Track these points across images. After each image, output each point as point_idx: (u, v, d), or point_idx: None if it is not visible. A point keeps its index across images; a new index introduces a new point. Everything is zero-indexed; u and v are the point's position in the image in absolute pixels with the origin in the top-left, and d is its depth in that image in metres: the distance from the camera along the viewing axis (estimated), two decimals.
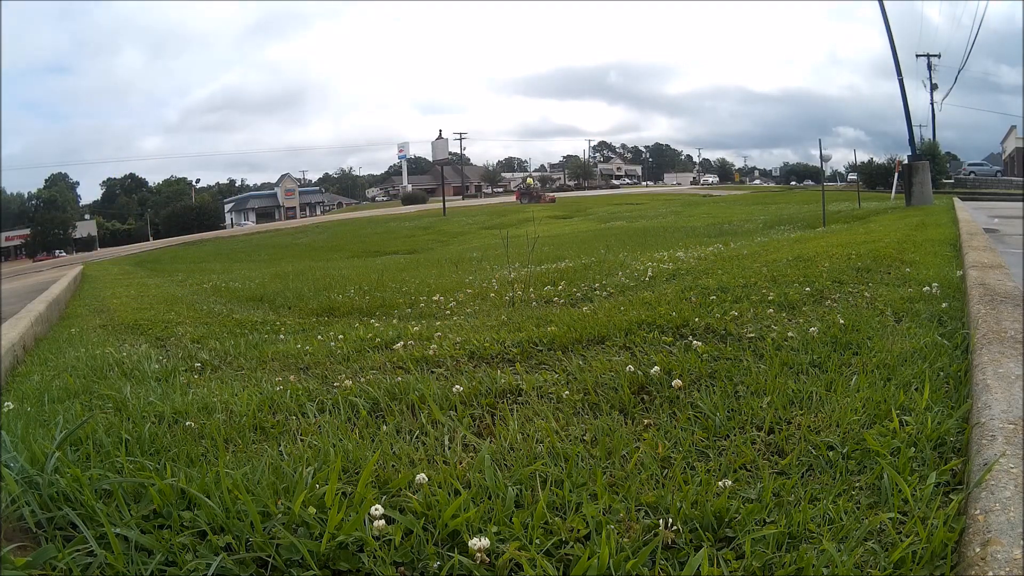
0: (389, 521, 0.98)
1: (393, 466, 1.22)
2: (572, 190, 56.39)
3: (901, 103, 11.74)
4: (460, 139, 54.67)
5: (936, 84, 31.14)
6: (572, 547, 0.92)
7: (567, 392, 1.60)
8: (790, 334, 1.95)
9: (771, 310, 2.36)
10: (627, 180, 75.34)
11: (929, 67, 31.34)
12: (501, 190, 60.59)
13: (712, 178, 74.16)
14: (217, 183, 70.63)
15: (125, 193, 59.78)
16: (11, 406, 1.73)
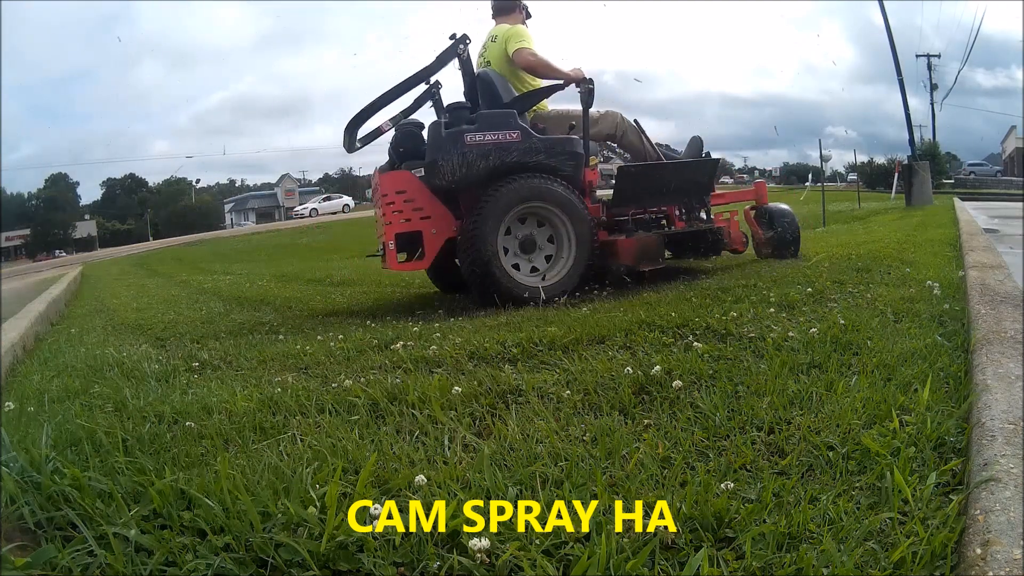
0: None
1: (393, 466, 1.22)
2: None
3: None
4: None
5: (936, 84, 31.16)
6: (572, 547, 0.92)
7: (567, 392, 1.60)
8: (790, 334, 1.95)
9: (771, 310, 2.36)
10: None
11: (929, 67, 31.36)
12: None
13: None
14: (217, 183, 70.65)
15: (125, 193, 59.65)
16: (11, 406, 1.73)
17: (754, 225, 4.13)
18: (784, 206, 4.17)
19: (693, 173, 3.74)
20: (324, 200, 40.19)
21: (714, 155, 4.09)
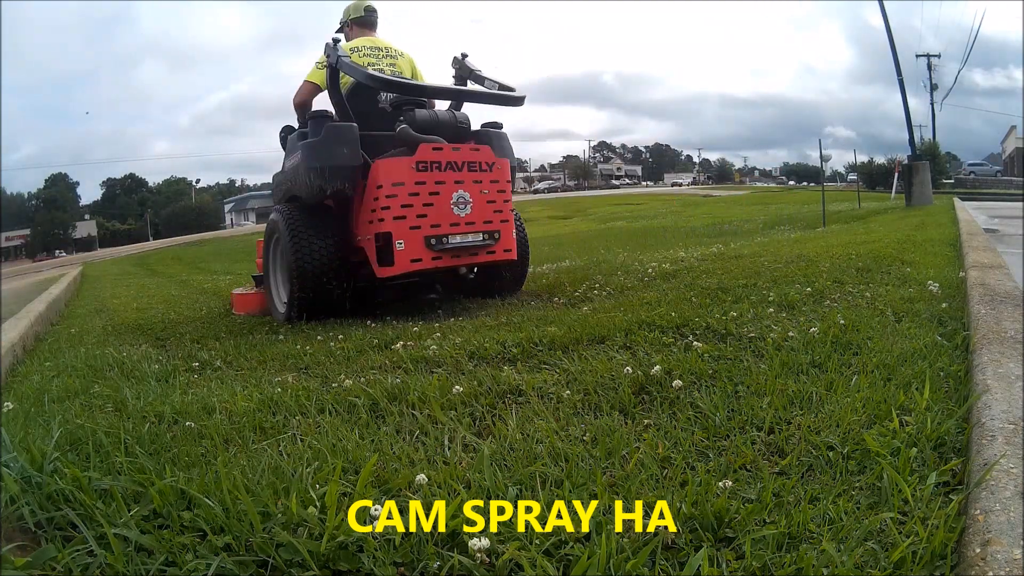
0: None
1: (393, 466, 1.22)
2: (572, 190, 55.72)
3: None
4: None
5: (936, 84, 31.18)
6: (572, 547, 0.92)
7: (567, 392, 1.60)
8: (790, 334, 1.95)
9: (771, 310, 2.36)
10: (627, 180, 75.31)
11: (929, 67, 31.38)
12: None
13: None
14: (217, 183, 70.74)
15: (125, 193, 59.66)
16: (11, 406, 1.73)
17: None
18: None
19: None
20: None
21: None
